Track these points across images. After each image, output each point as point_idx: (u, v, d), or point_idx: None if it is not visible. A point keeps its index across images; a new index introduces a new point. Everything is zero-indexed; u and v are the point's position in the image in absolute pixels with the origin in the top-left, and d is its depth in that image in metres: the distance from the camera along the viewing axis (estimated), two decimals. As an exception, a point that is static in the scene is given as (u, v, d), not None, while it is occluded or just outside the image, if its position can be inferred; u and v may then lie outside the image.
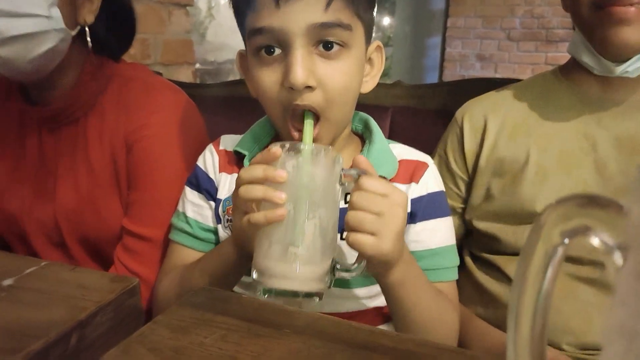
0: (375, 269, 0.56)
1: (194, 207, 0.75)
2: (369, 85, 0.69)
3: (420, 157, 0.74)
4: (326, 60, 0.60)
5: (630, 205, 0.20)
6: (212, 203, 0.74)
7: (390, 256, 0.53)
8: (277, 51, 0.60)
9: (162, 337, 0.43)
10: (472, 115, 0.86)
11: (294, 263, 0.51)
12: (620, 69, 0.72)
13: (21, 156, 0.89)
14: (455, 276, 0.72)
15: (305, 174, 0.52)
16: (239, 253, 0.61)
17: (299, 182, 0.52)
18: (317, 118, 0.62)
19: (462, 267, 0.90)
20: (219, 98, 1.29)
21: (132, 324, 0.49)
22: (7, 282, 0.50)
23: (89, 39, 0.82)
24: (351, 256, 0.56)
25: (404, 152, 0.74)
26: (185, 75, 1.74)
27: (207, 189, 0.74)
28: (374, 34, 0.70)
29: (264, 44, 0.60)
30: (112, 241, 0.87)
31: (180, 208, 0.76)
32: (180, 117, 0.86)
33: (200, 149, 0.79)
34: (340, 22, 0.59)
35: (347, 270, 0.54)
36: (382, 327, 0.72)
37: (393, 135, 1.15)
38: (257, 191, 0.52)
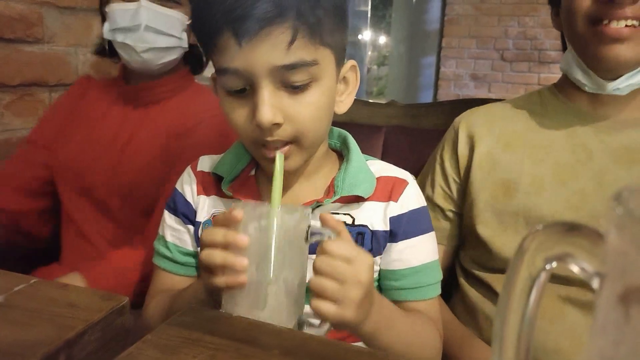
0: (342, 329, 0.56)
1: (173, 231, 0.74)
2: (344, 105, 0.69)
3: (399, 174, 0.73)
4: (294, 95, 0.60)
5: (608, 233, 0.20)
6: (191, 227, 0.73)
7: (354, 322, 0.53)
8: (247, 88, 0.60)
9: (150, 357, 0.43)
10: (469, 122, 0.88)
11: None
12: (611, 86, 0.73)
13: (105, 125, 1.08)
14: (438, 292, 0.71)
15: (268, 237, 0.51)
16: (210, 298, 0.60)
17: (261, 245, 0.51)
18: (288, 143, 0.62)
19: (454, 286, 0.91)
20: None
21: (120, 343, 0.48)
22: (-4, 299, 0.49)
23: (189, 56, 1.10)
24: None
25: (382, 169, 0.73)
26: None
27: (184, 213, 0.74)
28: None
29: (232, 83, 0.60)
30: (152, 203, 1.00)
31: (160, 231, 0.76)
32: (219, 132, 1.00)
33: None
34: (303, 61, 0.58)
35: (313, 327, 0.54)
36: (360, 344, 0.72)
37: (386, 154, 1.15)
38: (217, 257, 0.51)
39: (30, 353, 0.41)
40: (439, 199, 0.89)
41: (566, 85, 0.82)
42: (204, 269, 0.55)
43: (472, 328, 0.83)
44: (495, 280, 0.81)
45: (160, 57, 1.01)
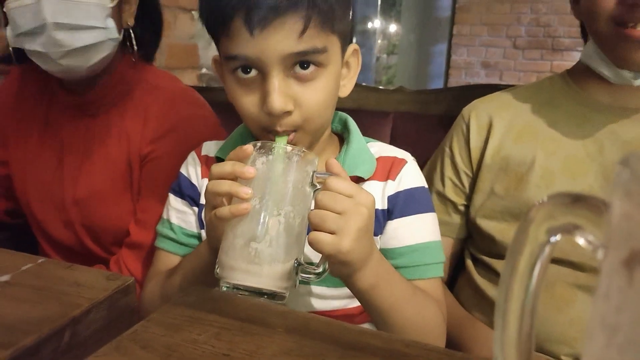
0: (338, 270, 0.55)
1: (178, 213, 0.75)
2: (346, 89, 0.69)
3: (398, 154, 0.73)
4: (302, 82, 0.61)
5: (612, 198, 0.20)
6: (196, 209, 0.74)
7: (351, 256, 0.52)
8: (254, 72, 0.60)
9: (155, 334, 0.43)
10: (479, 113, 0.86)
11: (255, 259, 0.50)
12: (638, 81, 0.72)
13: (45, 138, 0.93)
14: (439, 273, 0.70)
15: (274, 172, 0.52)
16: (213, 252, 0.60)
17: (266, 179, 0.52)
18: (295, 130, 0.63)
19: (462, 270, 0.90)
20: (222, 102, 1.30)
21: (125, 322, 0.49)
22: (4, 278, 0.50)
23: (134, 42, 0.87)
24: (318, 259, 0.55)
25: (382, 149, 0.74)
26: (189, 79, 1.76)
27: (190, 195, 0.75)
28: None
29: (239, 66, 0.61)
30: (117, 236, 0.89)
31: (164, 215, 0.77)
32: (198, 134, 0.87)
33: None
34: (314, 48, 0.59)
35: (310, 271, 0.53)
36: (369, 325, 0.71)
37: (395, 140, 1.14)
38: (223, 186, 0.53)
39: (36, 329, 0.42)
40: (450, 193, 0.88)
41: (581, 73, 0.80)
42: (209, 205, 0.56)
43: (478, 312, 0.83)
44: (502, 265, 0.80)
45: (86, 59, 0.79)
